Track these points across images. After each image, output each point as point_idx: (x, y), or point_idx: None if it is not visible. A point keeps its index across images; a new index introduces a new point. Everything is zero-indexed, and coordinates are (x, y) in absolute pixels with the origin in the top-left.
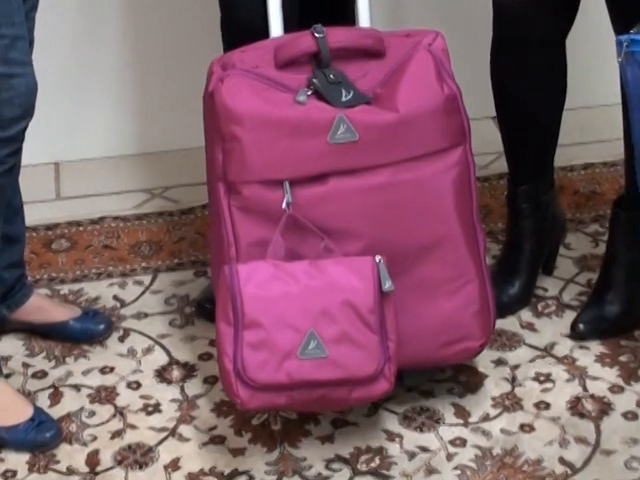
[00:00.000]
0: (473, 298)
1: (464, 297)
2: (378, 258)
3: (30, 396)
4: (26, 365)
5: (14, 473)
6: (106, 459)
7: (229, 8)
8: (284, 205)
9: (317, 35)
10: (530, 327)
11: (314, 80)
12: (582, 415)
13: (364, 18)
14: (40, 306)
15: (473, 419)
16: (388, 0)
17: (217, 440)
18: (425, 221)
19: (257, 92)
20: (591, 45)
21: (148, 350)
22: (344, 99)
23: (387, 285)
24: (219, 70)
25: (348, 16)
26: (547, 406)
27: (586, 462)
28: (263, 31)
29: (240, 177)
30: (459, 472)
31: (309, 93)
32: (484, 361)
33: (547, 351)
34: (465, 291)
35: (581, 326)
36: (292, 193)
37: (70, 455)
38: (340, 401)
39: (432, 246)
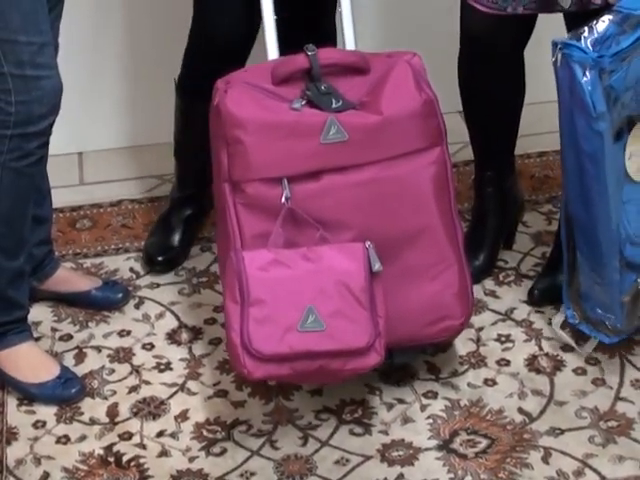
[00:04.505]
0: (452, 281)
1: (445, 281)
2: (368, 243)
3: (57, 356)
4: (54, 329)
5: (44, 423)
6: (124, 411)
7: (204, 25)
8: (283, 200)
9: (309, 53)
10: (493, 294)
11: (307, 91)
12: (538, 371)
13: (349, 42)
14: (66, 278)
15: (443, 374)
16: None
17: (220, 394)
18: (408, 213)
19: (257, 100)
20: (547, 50)
21: (160, 316)
22: (334, 105)
23: (376, 266)
24: (223, 85)
25: (331, 44)
26: (507, 363)
27: (542, 412)
28: (238, 54)
29: (243, 176)
30: (431, 421)
31: (303, 102)
32: None
33: (507, 315)
34: (445, 275)
35: (536, 293)
36: (290, 189)
37: (92, 408)
38: (336, 372)
39: (415, 235)
